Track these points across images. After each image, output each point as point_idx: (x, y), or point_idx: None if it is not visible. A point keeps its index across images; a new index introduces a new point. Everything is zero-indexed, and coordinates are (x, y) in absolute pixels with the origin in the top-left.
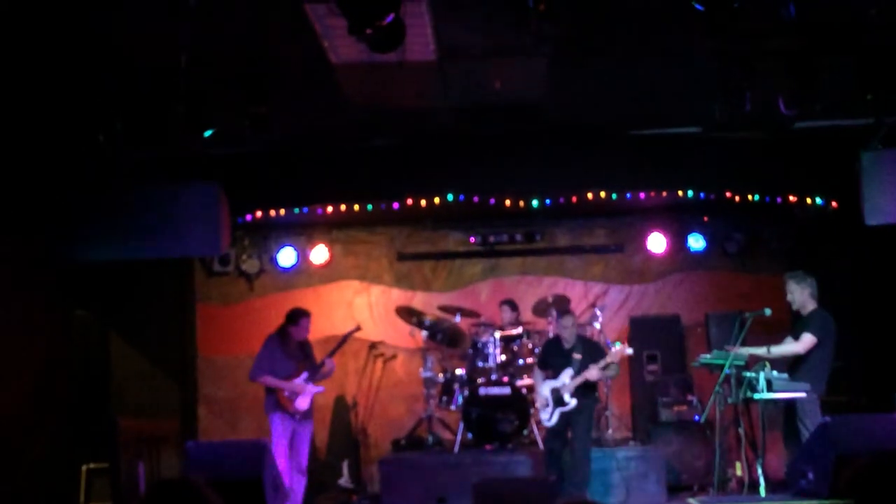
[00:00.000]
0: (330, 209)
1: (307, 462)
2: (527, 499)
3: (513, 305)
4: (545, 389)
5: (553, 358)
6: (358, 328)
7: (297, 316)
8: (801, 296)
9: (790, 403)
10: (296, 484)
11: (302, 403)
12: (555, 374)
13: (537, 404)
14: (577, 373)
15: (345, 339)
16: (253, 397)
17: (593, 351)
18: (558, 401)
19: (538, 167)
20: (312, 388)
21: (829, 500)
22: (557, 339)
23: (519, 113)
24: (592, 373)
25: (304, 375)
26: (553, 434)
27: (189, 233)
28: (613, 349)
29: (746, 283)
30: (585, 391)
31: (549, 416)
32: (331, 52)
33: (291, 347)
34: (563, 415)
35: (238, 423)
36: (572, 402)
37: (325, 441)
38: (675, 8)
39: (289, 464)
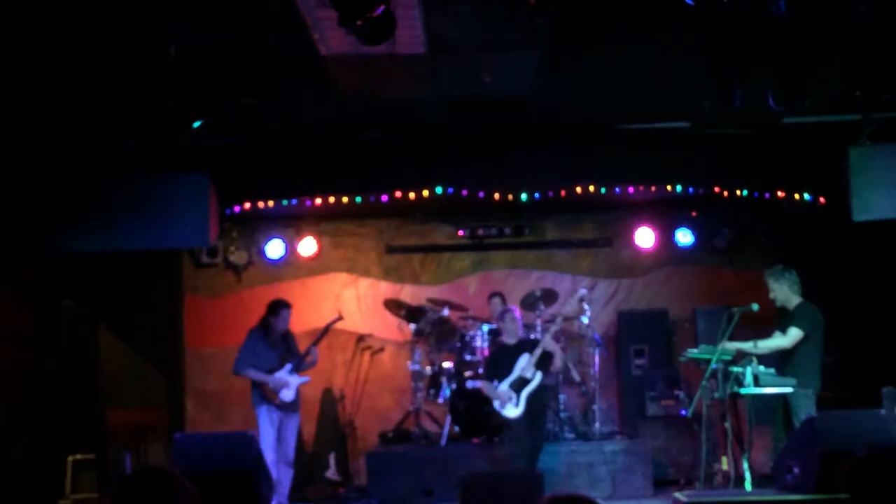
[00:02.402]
0: (318, 201)
1: (294, 454)
2: (514, 492)
3: (501, 299)
4: (504, 387)
5: (503, 362)
6: (340, 317)
7: (278, 307)
8: (782, 291)
9: (785, 399)
10: (283, 476)
11: (287, 395)
12: (506, 375)
13: (498, 405)
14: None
15: (327, 328)
16: (240, 389)
17: (531, 346)
18: (522, 384)
19: (527, 161)
20: (297, 379)
21: (814, 494)
22: (500, 345)
23: (508, 107)
24: (547, 339)
25: (288, 367)
26: (518, 424)
27: (177, 224)
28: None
29: (734, 278)
30: (542, 367)
31: (515, 403)
32: (321, 44)
33: (274, 339)
34: (528, 397)
35: (225, 415)
36: (537, 377)
37: (312, 433)
38: (665, 2)
39: (276, 456)
